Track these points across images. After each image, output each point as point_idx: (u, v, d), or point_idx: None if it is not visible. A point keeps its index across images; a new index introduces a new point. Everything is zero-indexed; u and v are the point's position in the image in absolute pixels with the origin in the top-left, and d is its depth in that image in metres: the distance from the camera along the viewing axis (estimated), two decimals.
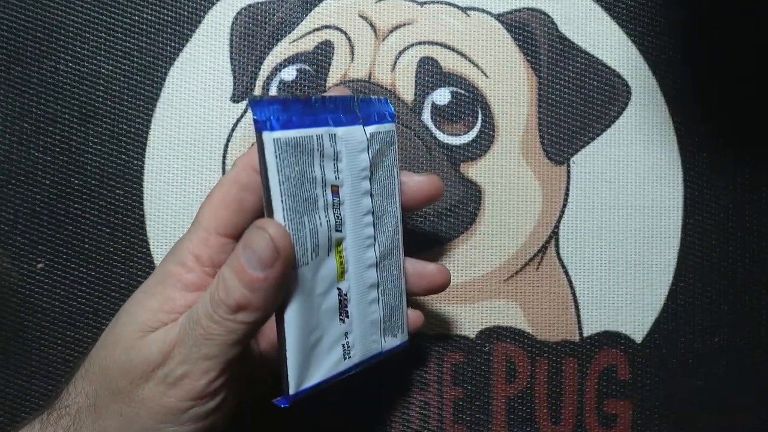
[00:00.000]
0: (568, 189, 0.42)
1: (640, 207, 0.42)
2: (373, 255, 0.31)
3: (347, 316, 0.30)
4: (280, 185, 0.26)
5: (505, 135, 0.42)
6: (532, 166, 0.42)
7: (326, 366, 0.29)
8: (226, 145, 0.42)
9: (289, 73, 0.41)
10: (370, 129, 0.31)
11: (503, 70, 0.42)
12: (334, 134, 0.29)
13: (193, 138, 0.42)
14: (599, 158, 0.42)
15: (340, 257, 0.29)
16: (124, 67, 0.42)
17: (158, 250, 0.42)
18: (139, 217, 0.41)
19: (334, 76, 0.41)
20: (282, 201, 0.26)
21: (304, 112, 0.27)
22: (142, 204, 0.41)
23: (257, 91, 0.42)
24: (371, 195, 0.31)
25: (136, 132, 0.42)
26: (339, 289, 0.30)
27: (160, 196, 0.41)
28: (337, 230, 0.29)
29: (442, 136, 0.41)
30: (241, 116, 0.42)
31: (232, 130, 0.42)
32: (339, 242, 0.30)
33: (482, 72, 0.42)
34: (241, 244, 0.26)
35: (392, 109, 0.33)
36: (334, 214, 0.29)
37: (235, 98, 0.42)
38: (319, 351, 0.29)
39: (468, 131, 0.41)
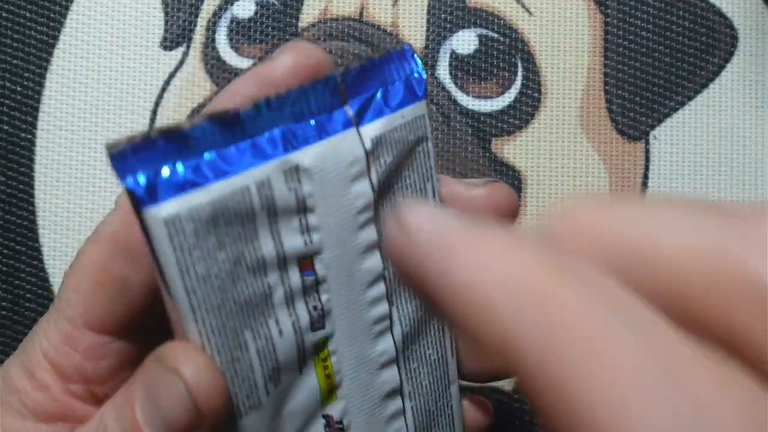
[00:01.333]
0: (646, 176, 0.36)
1: (752, 202, 0.36)
2: (390, 345, 0.22)
3: None
4: (189, 294, 0.18)
5: (556, 98, 0.36)
6: (595, 143, 0.36)
7: None
8: (154, 112, 0.35)
9: (244, 7, 0.35)
10: (373, 128, 0.20)
11: (554, 4, 0.36)
12: (295, 167, 0.19)
13: (107, 101, 0.35)
14: (691, 132, 0.36)
15: (325, 368, 0.21)
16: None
17: (55, 263, 0.34)
18: (28, 214, 0.35)
19: (309, 12, 0.35)
20: (197, 318, 0.18)
21: (225, 139, 0.18)
22: (32, 195, 0.35)
23: (199, 33, 0.34)
24: (380, 247, 0.21)
25: (24, 92, 0.35)
26: (327, 417, 0.22)
27: (58, 184, 0.35)
28: (316, 328, 0.21)
29: (465, 100, 0.36)
30: (176, 69, 0.35)
31: (163, 90, 0.35)
32: (321, 344, 0.21)
33: (523, 7, 0.36)
34: (140, 385, 0.19)
35: (420, 68, 0.21)
36: (308, 304, 0.20)
37: (168, 43, 0.35)
38: None
39: (503, 93, 0.36)
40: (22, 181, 0.34)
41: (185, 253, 0.18)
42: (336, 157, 0.19)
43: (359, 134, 0.20)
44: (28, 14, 0.34)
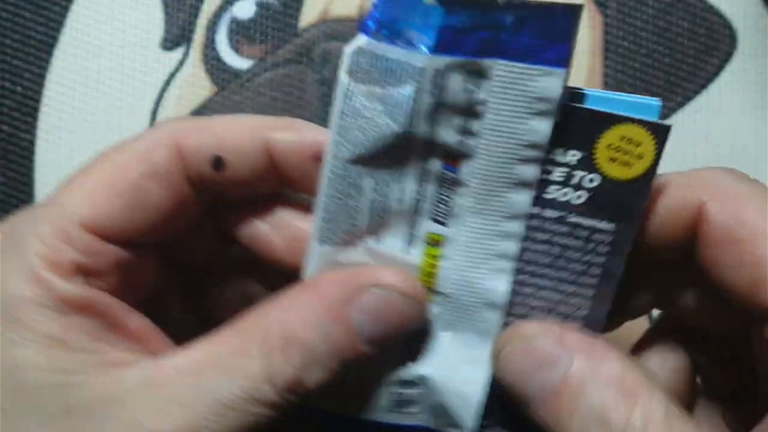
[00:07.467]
0: None
1: None
2: (503, 289, 0.21)
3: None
4: (342, 117, 0.20)
5: None
6: None
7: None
8: (154, 112, 0.34)
9: (244, 8, 0.34)
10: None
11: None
12: (479, 71, 0.19)
13: (106, 101, 0.34)
14: (690, 134, 0.35)
15: (432, 266, 0.21)
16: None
17: None
18: None
19: (309, 13, 0.35)
20: (334, 141, 0.20)
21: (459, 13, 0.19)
22: (32, 196, 0.34)
23: (199, 34, 0.34)
24: (535, 189, 0.21)
25: (24, 93, 0.34)
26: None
27: (58, 185, 0.33)
28: (437, 220, 0.21)
29: None
30: (176, 69, 0.34)
31: (163, 90, 0.34)
32: (435, 241, 0.21)
33: None
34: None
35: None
36: (439, 193, 0.21)
37: (168, 44, 0.34)
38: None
39: None
40: (22, 182, 0.33)
41: (355, 80, 0.19)
42: (528, 85, 0.19)
43: (565, 79, 0.19)
44: (28, 14, 0.34)
